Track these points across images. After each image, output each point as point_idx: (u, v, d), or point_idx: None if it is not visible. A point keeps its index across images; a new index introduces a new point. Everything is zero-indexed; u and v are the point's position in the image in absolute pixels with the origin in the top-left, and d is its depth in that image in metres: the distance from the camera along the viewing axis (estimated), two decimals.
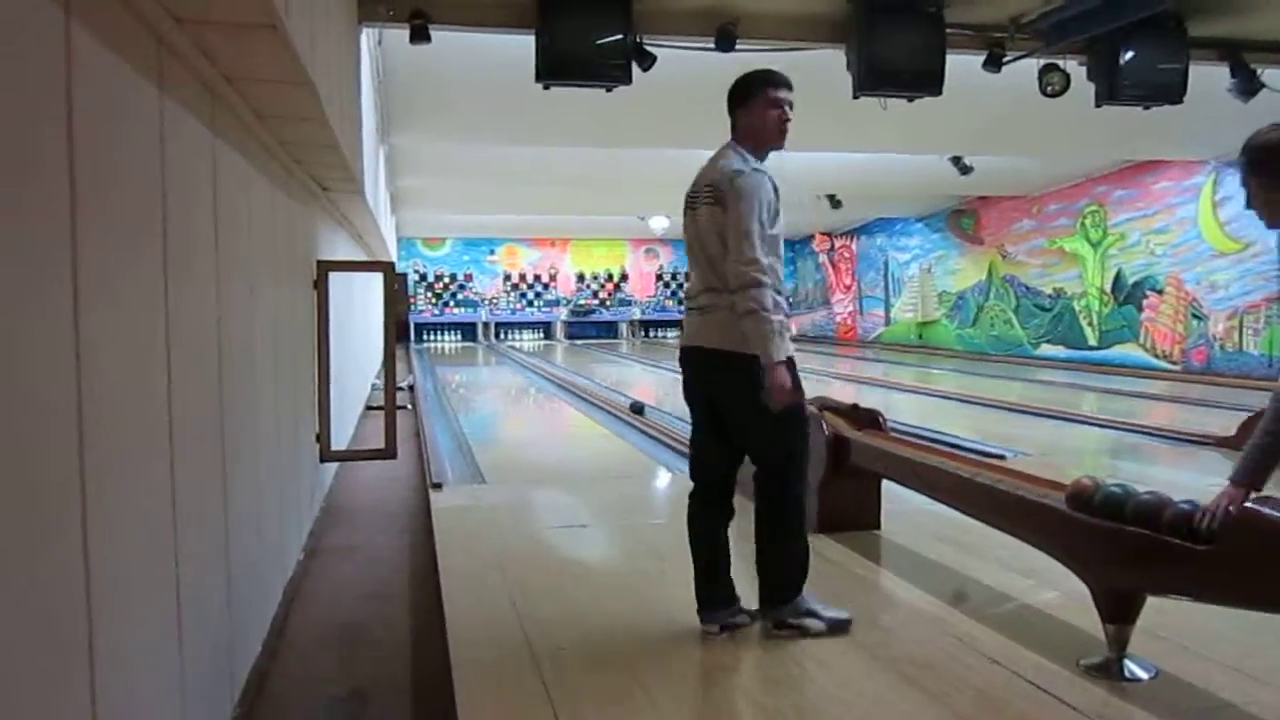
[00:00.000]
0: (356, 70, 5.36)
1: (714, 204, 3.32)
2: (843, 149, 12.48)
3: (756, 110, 3.41)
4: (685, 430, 8.39)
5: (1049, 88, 7.46)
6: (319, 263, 5.44)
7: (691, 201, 3.44)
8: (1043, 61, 7.42)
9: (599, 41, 6.40)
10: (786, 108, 3.42)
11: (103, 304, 1.79)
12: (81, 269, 1.65)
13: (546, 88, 6.61)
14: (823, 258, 26.29)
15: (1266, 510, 2.55)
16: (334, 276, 5.62)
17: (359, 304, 8.53)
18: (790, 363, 3.21)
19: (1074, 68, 7.41)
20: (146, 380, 2.11)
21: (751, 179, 3.28)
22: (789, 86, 3.44)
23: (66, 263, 1.61)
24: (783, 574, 3.37)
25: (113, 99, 1.90)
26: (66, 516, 1.61)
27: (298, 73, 2.83)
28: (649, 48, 6.72)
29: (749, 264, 3.17)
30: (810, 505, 4.76)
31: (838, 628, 3.34)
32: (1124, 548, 2.89)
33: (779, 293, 3.24)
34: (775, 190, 3.32)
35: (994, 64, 7.23)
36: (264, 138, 3.71)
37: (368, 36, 6.46)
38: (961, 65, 6.98)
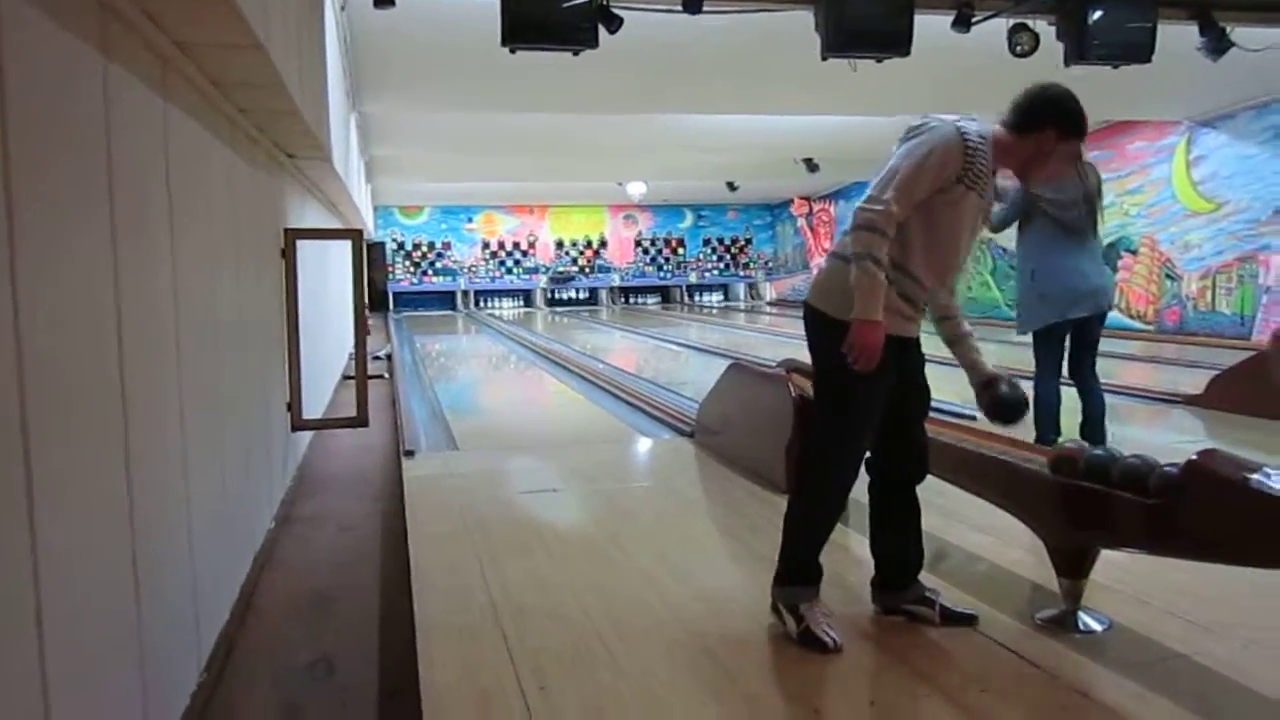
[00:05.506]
0: (320, 36, 5.30)
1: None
2: (814, 112, 12.44)
3: (1048, 153, 3.17)
4: (663, 396, 8.49)
5: (1018, 48, 7.45)
6: (286, 231, 5.39)
7: None
8: (1012, 21, 7.42)
9: (565, 4, 6.36)
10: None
11: (44, 276, 1.78)
12: (19, 240, 1.64)
13: (513, 51, 6.56)
14: (801, 221, 26.28)
15: (1215, 462, 2.59)
16: (309, 246, 5.57)
17: (334, 273, 8.47)
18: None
19: (1043, 28, 7.42)
20: (96, 348, 2.10)
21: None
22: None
23: (2, 234, 1.60)
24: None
25: (49, 63, 1.88)
26: (8, 480, 1.61)
27: (248, 37, 2.80)
28: (616, 10, 6.68)
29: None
30: (777, 467, 4.84)
31: (810, 642, 2.92)
32: (1076, 503, 2.93)
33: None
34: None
35: (963, 24, 7.22)
36: (223, 106, 3.67)
37: (330, 1, 6.39)
38: (930, 26, 6.97)
